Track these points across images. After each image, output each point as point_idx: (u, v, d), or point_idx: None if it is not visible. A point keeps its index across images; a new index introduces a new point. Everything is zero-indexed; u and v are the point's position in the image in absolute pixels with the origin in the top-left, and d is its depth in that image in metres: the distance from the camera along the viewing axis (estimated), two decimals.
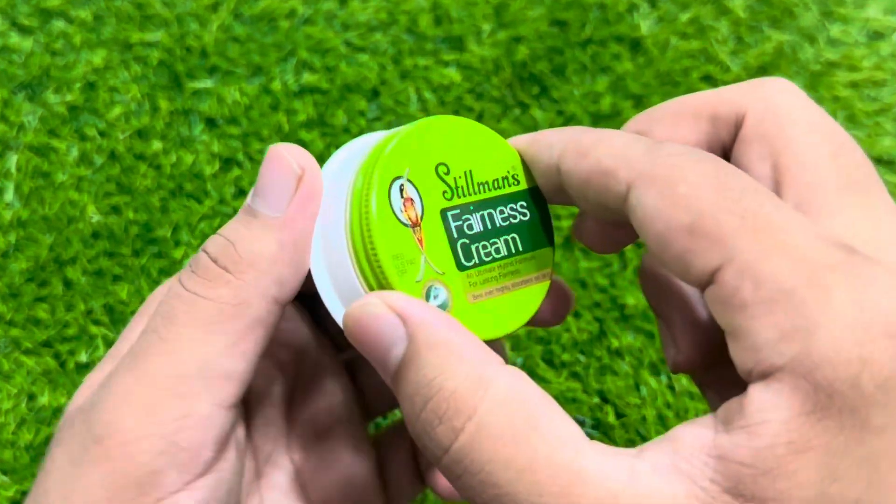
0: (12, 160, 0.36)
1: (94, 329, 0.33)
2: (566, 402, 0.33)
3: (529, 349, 0.33)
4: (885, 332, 0.12)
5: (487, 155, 0.18)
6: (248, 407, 0.20)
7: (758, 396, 0.13)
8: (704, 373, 0.18)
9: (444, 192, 0.17)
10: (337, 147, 0.37)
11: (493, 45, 0.39)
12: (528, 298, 0.18)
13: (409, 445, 0.22)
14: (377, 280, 0.17)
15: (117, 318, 0.33)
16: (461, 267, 0.17)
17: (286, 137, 0.37)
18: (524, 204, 0.18)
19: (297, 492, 0.21)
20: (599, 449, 0.14)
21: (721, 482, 0.13)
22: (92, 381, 0.19)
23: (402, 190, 0.17)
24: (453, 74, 0.38)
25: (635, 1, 0.41)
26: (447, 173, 0.18)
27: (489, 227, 0.18)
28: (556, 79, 0.39)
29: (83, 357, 0.33)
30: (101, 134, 0.37)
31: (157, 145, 0.36)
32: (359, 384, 0.23)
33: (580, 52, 0.39)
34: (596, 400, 0.33)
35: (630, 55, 0.39)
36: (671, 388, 0.33)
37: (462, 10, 0.40)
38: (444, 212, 0.17)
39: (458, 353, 0.15)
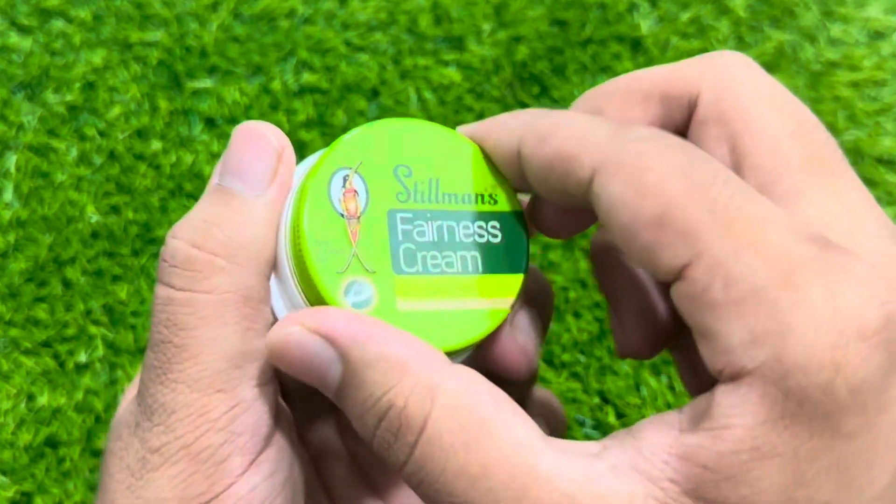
0: (11, 160, 0.36)
1: (93, 329, 0.33)
2: (566, 402, 0.33)
3: None
4: (859, 334, 0.12)
5: (465, 169, 0.17)
6: (286, 399, 0.20)
7: (725, 399, 0.12)
8: (650, 357, 0.18)
9: (399, 193, 0.17)
10: None
11: (494, 44, 0.39)
12: (476, 322, 0.17)
13: None
14: (299, 265, 0.16)
15: (117, 319, 0.33)
16: (398, 270, 0.16)
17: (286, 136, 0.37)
18: (496, 225, 0.17)
19: (360, 480, 0.20)
20: (557, 447, 0.13)
21: (681, 483, 0.12)
22: (133, 387, 0.19)
23: (345, 180, 0.16)
24: (453, 74, 0.38)
25: (635, 0, 0.41)
26: (408, 175, 0.17)
27: (446, 239, 0.17)
28: (556, 78, 0.39)
29: (82, 357, 0.33)
30: (101, 134, 0.37)
31: (156, 145, 0.36)
32: None
33: (580, 52, 0.39)
34: (596, 400, 0.33)
35: (630, 55, 0.39)
36: (671, 388, 0.33)
37: (462, 9, 0.40)
38: (391, 212, 0.17)
39: (402, 366, 0.14)
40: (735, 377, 0.12)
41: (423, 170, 0.17)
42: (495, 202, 0.18)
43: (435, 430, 0.13)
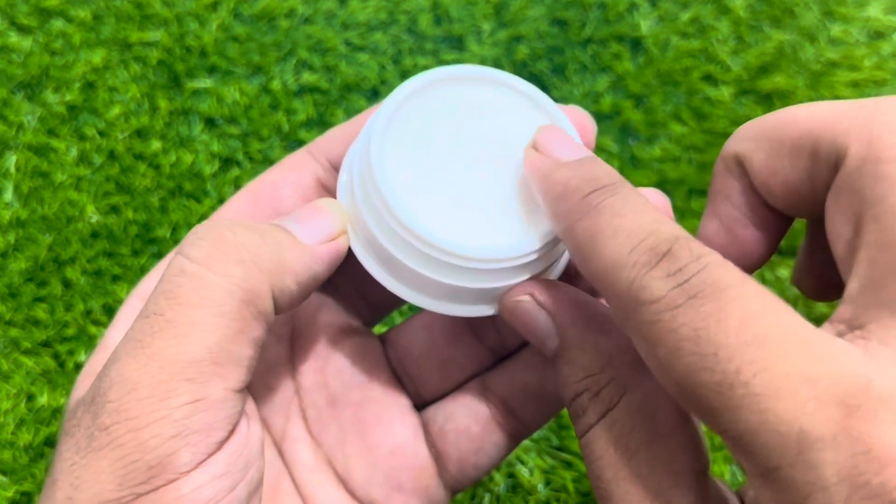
0: (11, 160, 0.35)
1: (93, 329, 0.32)
2: None
3: None
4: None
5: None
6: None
7: None
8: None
9: None
10: None
11: (494, 44, 0.39)
12: None
13: (474, 413, 0.20)
14: None
15: None
16: None
17: (286, 137, 0.36)
18: None
19: (324, 466, 0.20)
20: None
21: None
22: (89, 371, 0.19)
23: None
24: None
25: (636, 0, 0.40)
26: None
27: None
28: (556, 78, 0.38)
29: (82, 357, 0.32)
30: (101, 133, 0.36)
31: (156, 145, 0.36)
32: (397, 353, 0.21)
33: (580, 52, 0.39)
34: None
35: (630, 55, 0.39)
36: None
37: (462, 9, 0.40)
38: None
39: (606, 359, 0.16)
40: None
41: None
42: None
43: (603, 427, 0.15)
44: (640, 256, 0.13)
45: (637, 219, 0.14)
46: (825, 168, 0.14)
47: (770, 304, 0.12)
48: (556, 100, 0.39)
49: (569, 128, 0.18)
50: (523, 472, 0.30)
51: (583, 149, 0.17)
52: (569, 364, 0.16)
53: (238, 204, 0.20)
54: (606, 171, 0.16)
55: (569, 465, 0.31)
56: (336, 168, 0.20)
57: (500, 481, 0.30)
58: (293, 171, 0.20)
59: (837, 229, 0.14)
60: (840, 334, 0.13)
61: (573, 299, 0.17)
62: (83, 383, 0.19)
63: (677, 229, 0.14)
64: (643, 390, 0.15)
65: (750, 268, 0.17)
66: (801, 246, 0.18)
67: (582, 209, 0.15)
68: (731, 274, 0.13)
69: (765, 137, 0.16)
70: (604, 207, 0.15)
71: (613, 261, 0.14)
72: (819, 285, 0.18)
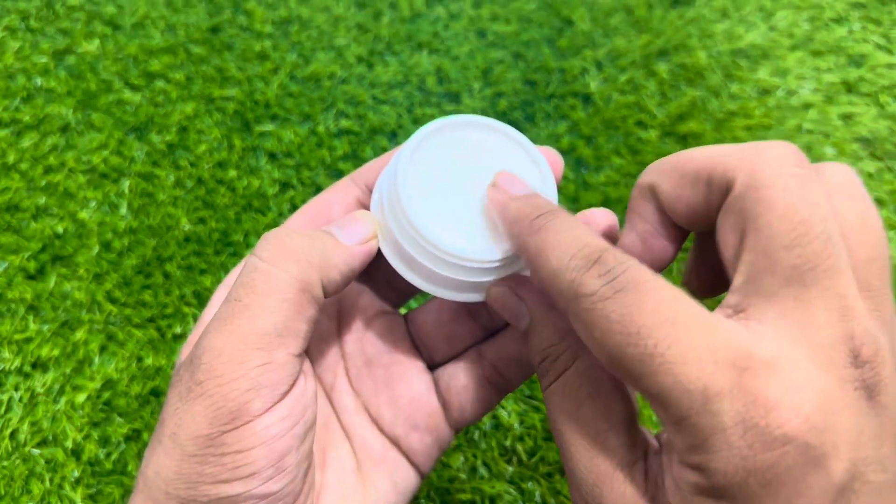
0: (126, 184, 0.37)
1: (185, 309, 0.34)
2: None
3: None
4: (765, 448, 0.12)
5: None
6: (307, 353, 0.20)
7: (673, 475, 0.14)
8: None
9: None
10: None
11: (482, 99, 0.41)
12: None
13: (471, 373, 0.21)
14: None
15: (203, 301, 0.34)
16: None
17: (329, 167, 0.38)
18: None
19: (362, 411, 0.20)
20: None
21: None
22: (189, 341, 0.20)
23: None
24: None
25: (586, 66, 0.42)
26: None
27: None
28: (527, 124, 0.40)
29: (178, 329, 0.33)
30: (191, 164, 0.38)
31: (232, 173, 0.38)
32: (416, 328, 0.21)
33: (545, 104, 0.40)
34: None
35: (582, 106, 0.40)
36: None
37: (458, 73, 0.42)
38: None
39: (563, 333, 0.16)
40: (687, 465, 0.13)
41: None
42: None
43: (559, 384, 0.16)
44: (577, 262, 0.14)
45: (573, 234, 0.15)
46: (717, 193, 0.15)
47: (676, 294, 0.13)
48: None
49: (543, 162, 0.19)
50: (503, 414, 0.31)
51: (528, 187, 0.18)
52: (536, 337, 0.17)
53: (300, 218, 0.21)
54: (547, 202, 0.17)
55: (537, 409, 0.32)
56: (372, 191, 0.21)
57: (486, 421, 0.31)
58: (340, 193, 0.20)
59: (726, 239, 0.15)
60: (728, 316, 0.14)
61: (539, 289, 0.17)
62: (185, 350, 0.20)
63: (604, 242, 0.15)
64: (589, 358, 0.16)
65: (660, 268, 0.17)
66: (689, 255, 0.19)
67: (532, 229, 0.15)
68: (646, 273, 0.14)
69: (670, 171, 0.16)
70: (548, 227, 0.15)
71: (557, 266, 0.14)
72: (703, 285, 0.18)
